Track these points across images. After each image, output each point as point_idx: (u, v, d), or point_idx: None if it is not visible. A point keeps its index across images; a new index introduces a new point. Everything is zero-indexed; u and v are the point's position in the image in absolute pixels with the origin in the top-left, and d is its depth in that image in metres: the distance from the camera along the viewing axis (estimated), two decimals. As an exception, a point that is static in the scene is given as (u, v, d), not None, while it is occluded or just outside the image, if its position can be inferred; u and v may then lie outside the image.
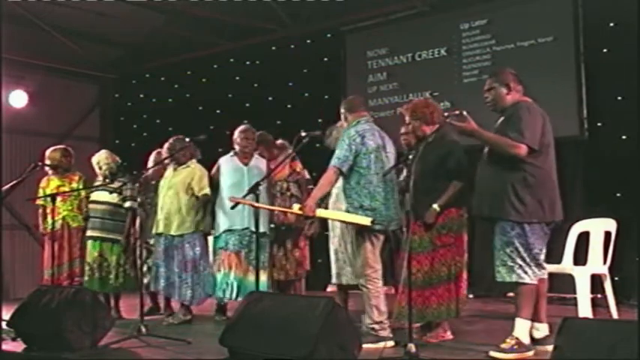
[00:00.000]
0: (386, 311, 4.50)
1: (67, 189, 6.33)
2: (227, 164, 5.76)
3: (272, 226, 5.68)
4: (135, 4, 8.16)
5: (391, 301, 4.65)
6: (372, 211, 4.45)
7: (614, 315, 5.39)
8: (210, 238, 5.88)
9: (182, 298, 5.80)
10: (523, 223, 4.03)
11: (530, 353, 4.04)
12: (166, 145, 5.96)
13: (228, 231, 5.60)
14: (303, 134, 5.01)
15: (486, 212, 4.13)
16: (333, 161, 4.48)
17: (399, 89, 7.80)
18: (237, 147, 5.76)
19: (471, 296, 6.99)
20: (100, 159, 6.36)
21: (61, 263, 6.22)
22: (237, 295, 5.54)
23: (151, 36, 9.41)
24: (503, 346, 4.02)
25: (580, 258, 5.47)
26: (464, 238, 4.64)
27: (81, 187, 6.40)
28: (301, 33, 8.41)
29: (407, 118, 4.74)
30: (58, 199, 6.08)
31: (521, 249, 4.03)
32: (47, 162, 6.44)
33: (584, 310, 5.18)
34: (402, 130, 5.19)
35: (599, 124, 6.58)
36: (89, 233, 6.24)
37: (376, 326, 4.45)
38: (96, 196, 6.27)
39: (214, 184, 5.78)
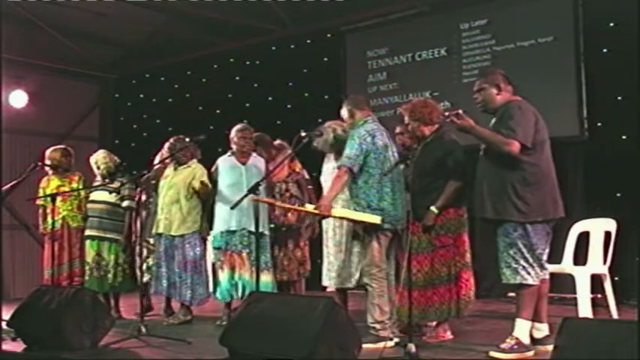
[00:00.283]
0: (388, 311, 4.49)
1: (66, 189, 6.33)
2: (225, 164, 5.74)
3: (272, 226, 5.66)
4: (135, 4, 8.16)
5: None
6: (380, 211, 4.46)
7: (614, 315, 5.39)
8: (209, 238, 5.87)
9: (182, 298, 5.81)
10: (525, 223, 4.03)
11: (531, 353, 4.04)
12: (167, 145, 5.97)
13: (227, 232, 5.58)
14: (303, 134, 5.01)
15: (490, 214, 4.12)
16: (344, 161, 4.46)
17: (399, 89, 7.79)
18: (234, 146, 5.74)
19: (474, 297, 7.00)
20: (98, 159, 6.36)
21: (61, 263, 6.23)
22: (242, 295, 5.49)
23: (151, 36, 9.42)
24: (503, 346, 4.02)
25: (580, 258, 5.48)
26: (464, 238, 4.64)
27: (81, 187, 6.40)
28: (301, 33, 8.41)
29: (406, 119, 4.75)
30: (58, 199, 6.08)
31: (524, 250, 4.04)
32: (47, 162, 6.44)
33: (584, 310, 5.19)
34: (397, 129, 5.19)
35: (599, 124, 6.58)
36: (87, 233, 6.25)
37: (377, 325, 4.45)
38: (94, 195, 6.28)
39: (212, 183, 5.76)
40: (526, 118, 4.06)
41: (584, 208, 6.40)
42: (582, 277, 5.28)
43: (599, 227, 5.47)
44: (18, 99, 8.84)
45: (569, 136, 6.51)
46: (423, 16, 7.65)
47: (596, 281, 5.45)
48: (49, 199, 6.00)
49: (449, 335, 4.68)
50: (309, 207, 4.71)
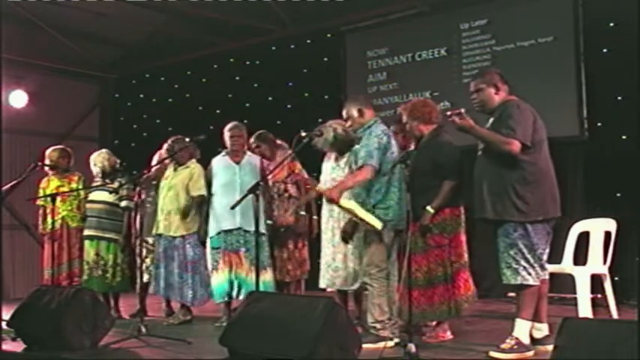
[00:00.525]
0: (388, 311, 4.48)
1: (66, 189, 6.33)
2: (219, 164, 5.73)
3: (269, 222, 5.59)
4: (135, 4, 8.16)
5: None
6: (385, 210, 4.46)
7: (614, 315, 5.39)
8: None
9: (183, 299, 5.80)
10: (526, 223, 4.03)
11: (530, 353, 4.04)
12: (165, 146, 5.97)
13: (224, 231, 5.56)
14: (303, 134, 5.01)
15: (490, 215, 4.12)
16: (368, 160, 4.42)
17: (399, 89, 7.79)
18: (227, 145, 5.73)
19: (475, 296, 7.00)
20: (96, 158, 6.37)
21: (61, 263, 6.23)
22: (237, 294, 5.51)
23: (151, 36, 9.42)
24: (503, 346, 4.02)
25: (580, 258, 5.48)
26: (460, 237, 4.64)
27: (80, 187, 6.40)
28: (301, 33, 8.41)
29: (404, 117, 4.75)
30: (58, 199, 6.08)
31: (525, 250, 4.03)
32: (47, 162, 6.44)
33: (584, 310, 5.18)
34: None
35: (599, 124, 6.58)
36: (86, 232, 6.25)
37: (377, 325, 4.45)
38: (93, 195, 6.29)
39: (207, 184, 5.75)
40: (525, 117, 4.06)
41: (584, 208, 6.40)
42: (582, 277, 5.28)
43: (599, 227, 5.47)
44: (18, 99, 8.84)
45: (569, 136, 6.51)
46: (423, 16, 7.65)
47: (596, 281, 5.45)
48: (48, 199, 6.01)
49: (449, 335, 4.68)
50: (322, 187, 4.66)
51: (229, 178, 5.62)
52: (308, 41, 8.56)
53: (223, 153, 5.76)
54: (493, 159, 4.11)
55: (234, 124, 5.78)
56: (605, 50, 6.56)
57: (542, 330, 4.20)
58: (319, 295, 5.37)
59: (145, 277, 6.00)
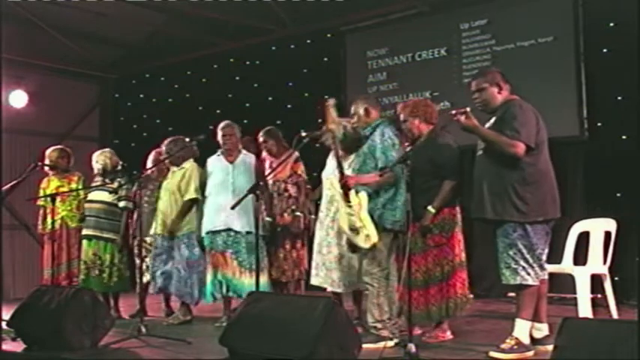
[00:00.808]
0: (388, 311, 4.47)
1: (65, 189, 6.33)
2: (213, 163, 5.72)
3: (269, 219, 5.55)
4: (135, 4, 8.16)
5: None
6: (393, 211, 4.48)
7: (614, 315, 5.39)
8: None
9: (182, 296, 5.80)
10: (525, 223, 4.03)
11: (530, 353, 4.04)
12: (164, 147, 5.97)
13: (212, 232, 5.55)
14: (303, 134, 5.00)
15: (489, 215, 4.12)
16: (390, 164, 4.42)
17: (399, 89, 7.78)
18: (220, 145, 5.72)
19: (471, 296, 7.00)
20: (99, 156, 6.38)
21: (60, 263, 6.23)
22: (227, 291, 5.49)
23: (151, 36, 9.42)
24: (503, 346, 4.02)
25: (580, 258, 5.48)
26: (457, 237, 4.65)
27: (80, 187, 6.40)
28: (301, 33, 8.41)
29: (402, 116, 4.73)
30: (58, 199, 6.08)
31: (524, 250, 4.03)
32: (46, 162, 6.44)
33: (584, 310, 5.18)
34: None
35: (599, 124, 6.58)
36: (84, 232, 6.24)
37: (378, 325, 4.44)
38: (92, 195, 6.29)
39: (203, 184, 5.75)
40: (528, 118, 4.05)
41: (584, 208, 6.40)
42: (582, 277, 5.28)
43: (599, 227, 5.47)
44: (18, 99, 8.84)
45: (569, 136, 6.51)
46: (423, 16, 7.65)
47: (596, 281, 5.45)
48: (48, 199, 6.01)
49: (449, 335, 4.68)
50: (347, 169, 4.65)
51: (223, 177, 5.60)
52: (308, 41, 8.56)
53: (218, 152, 5.75)
54: (494, 159, 4.10)
55: (226, 123, 5.75)
56: (605, 50, 6.56)
57: (542, 330, 4.20)
58: (319, 295, 5.38)
59: (146, 278, 6.00)
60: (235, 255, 5.50)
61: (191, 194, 5.73)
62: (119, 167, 6.40)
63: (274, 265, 5.62)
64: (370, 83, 8.00)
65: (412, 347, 3.87)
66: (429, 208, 4.48)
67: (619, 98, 6.45)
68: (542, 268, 4.11)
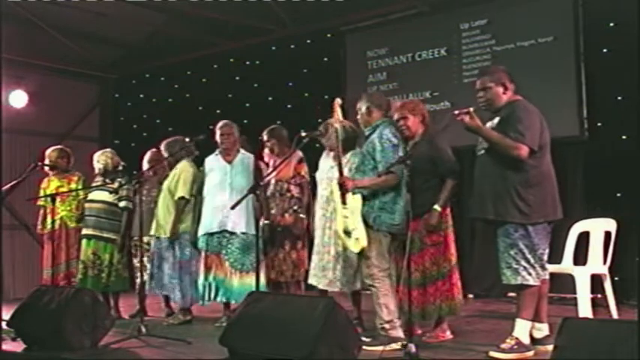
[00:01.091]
0: (396, 310, 4.43)
1: (65, 189, 6.33)
2: (211, 163, 5.70)
3: (266, 222, 5.49)
4: (135, 4, 8.16)
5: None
6: (392, 214, 4.43)
7: (614, 315, 5.39)
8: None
9: (174, 299, 5.83)
10: (527, 224, 4.02)
11: (530, 353, 4.04)
12: (163, 148, 5.98)
13: (208, 234, 5.55)
14: (303, 134, 5.00)
15: (491, 216, 4.11)
16: (389, 167, 4.36)
17: (399, 89, 7.78)
18: (218, 144, 5.70)
19: (471, 296, 7.02)
20: (100, 156, 6.39)
21: (59, 263, 6.22)
22: (215, 296, 5.48)
23: (151, 36, 9.42)
24: (503, 346, 4.02)
25: (580, 258, 5.48)
26: (451, 236, 4.67)
27: (80, 187, 6.40)
28: (301, 33, 8.41)
29: (400, 113, 4.71)
30: (57, 199, 6.09)
31: (525, 250, 4.02)
32: (46, 162, 6.45)
33: (584, 310, 5.18)
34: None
35: (599, 124, 6.58)
36: (84, 232, 6.24)
37: (387, 325, 4.39)
38: (93, 194, 6.28)
39: (201, 184, 5.73)
40: (533, 121, 4.04)
41: (584, 208, 6.40)
42: (582, 277, 5.28)
43: (599, 227, 5.47)
44: (18, 99, 8.84)
45: (569, 136, 6.51)
46: (423, 16, 7.65)
47: (596, 281, 5.45)
48: (48, 199, 6.01)
49: (448, 335, 4.68)
50: (346, 172, 4.66)
51: (220, 177, 5.58)
52: (308, 41, 8.56)
53: (216, 152, 5.74)
54: (496, 160, 4.08)
55: (225, 122, 5.73)
56: (605, 50, 6.56)
57: (542, 330, 4.20)
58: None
59: (144, 277, 5.98)
60: (229, 256, 5.49)
61: (179, 193, 5.73)
62: (119, 167, 6.40)
63: (274, 265, 5.58)
64: (370, 83, 8.00)
65: (412, 347, 3.86)
66: (435, 207, 4.51)
67: (619, 98, 6.45)
68: (543, 268, 4.10)
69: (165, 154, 5.97)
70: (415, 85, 7.66)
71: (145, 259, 6.00)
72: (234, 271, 5.47)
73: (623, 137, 6.40)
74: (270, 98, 8.73)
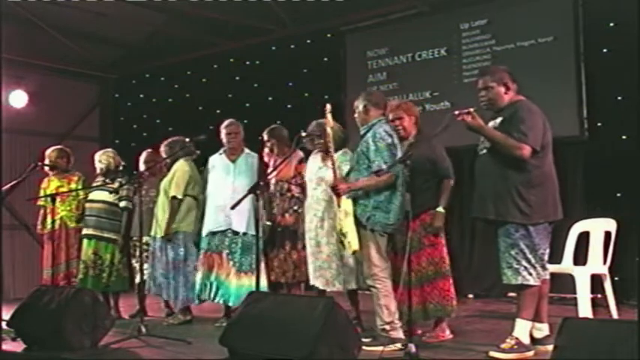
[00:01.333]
0: (396, 311, 4.41)
1: (65, 189, 6.33)
2: (215, 162, 5.69)
3: (268, 223, 5.49)
4: (135, 4, 8.16)
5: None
6: (386, 213, 4.40)
7: (614, 315, 5.39)
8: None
9: (168, 298, 5.83)
10: (528, 224, 4.02)
11: (530, 353, 4.04)
12: (163, 149, 5.97)
13: (211, 233, 5.54)
14: (303, 134, 5.02)
15: (491, 216, 4.11)
16: (384, 166, 4.33)
17: (399, 89, 7.78)
18: (224, 143, 5.68)
19: (471, 296, 7.02)
20: (101, 156, 6.39)
21: (59, 263, 6.21)
22: (214, 296, 5.47)
23: (151, 36, 9.42)
24: (503, 346, 4.02)
25: (580, 258, 5.48)
26: (444, 237, 4.74)
27: (80, 187, 6.40)
28: (301, 33, 8.41)
29: (392, 115, 4.72)
30: (57, 199, 6.08)
31: (526, 250, 4.02)
32: (46, 162, 6.45)
33: (584, 310, 5.18)
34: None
35: (599, 124, 6.58)
36: (84, 232, 6.24)
37: (387, 327, 4.36)
38: (93, 194, 6.28)
39: (204, 183, 5.73)
40: (536, 121, 4.03)
41: (584, 208, 6.40)
42: (582, 277, 5.28)
43: (599, 227, 5.47)
44: (18, 99, 8.84)
45: (569, 136, 6.51)
46: (423, 16, 7.65)
47: (596, 281, 5.45)
48: (48, 199, 6.01)
49: (448, 335, 4.69)
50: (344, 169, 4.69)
51: (223, 177, 5.57)
52: (308, 41, 8.56)
53: (221, 151, 5.73)
54: (498, 159, 4.07)
55: (231, 121, 5.72)
56: (605, 50, 6.56)
57: (542, 330, 4.20)
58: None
59: (138, 278, 5.97)
60: (232, 255, 5.47)
61: (172, 193, 5.72)
62: (120, 168, 6.41)
63: (275, 266, 5.57)
64: (370, 83, 8.00)
65: (412, 347, 3.87)
66: (439, 208, 4.58)
67: (619, 98, 6.45)
68: (544, 268, 4.10)
69: (165, 155, 5.96)
70: (415, 85, 7.66)
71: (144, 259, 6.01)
72: (235, 271, 5.46)
73: (623, 137, 6.40)
74: (270, 98, 8.73)
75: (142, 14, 8.65)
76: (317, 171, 5.10)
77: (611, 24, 6.53)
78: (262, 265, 5.40)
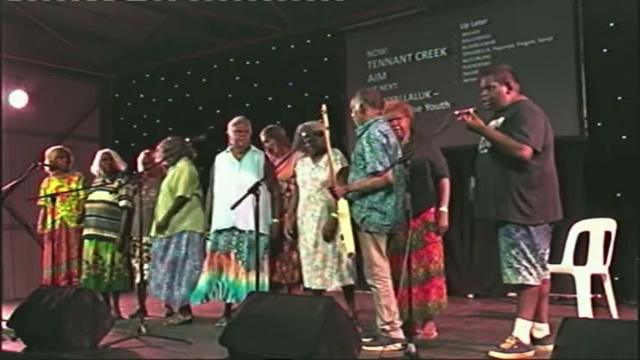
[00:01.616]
0: (397, 311, 4.40)
1: (65, 189, 6.33)
2: (221, 160, 5.66)
3: (275, 220, 5.47)
4: (135, 4, 8.16)
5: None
6: (381, 214, 4.38)
7: (614, 315, 5.39)
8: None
9: (166, 298, 5.80)
10: (528, 225, 4.02)
11: (531, 353, 4.04)
12: (159, 148, 5.97)
13: (217, 231, 5.51)
14: (304, 134, 5.02)
15: (492, 215, 4.12)
16: (378, 167, 4.31)
17: (399, 89, 7.78)
18: (230, 141, 5.63)
19: (471, 296, 7.03)
20: (104, 155, 6.39)
21: (59, 263, 6.22)
22: (226, 297, 5.43)
23: (151, 36, 9.42)
24: (503, 346, 4.02)
25: (580, 258, 5.48)
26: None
27: (80, 187, 6.40)
28: (301, 33, 8.41)
29: (391, 114, 4.72)
30: (58, 199, 6.09)
31: (527, 250, 4.02)
32: (46, 162, 6.45)
33: (584, 310, 5.18)
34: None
35: (599, 124, 6.58)
36: (85, 232, 6.24)
37: (387, 327, 4.35)
38: (93, 194, 6.28)
39: (211, 181, 5.72)
40: (538, 122, 4.03)
41: (584, 208, 6.40)
42: (582, 277, 5.28)
43: (599, 227, 5.47)
44: (18, 99, 8.84)
45: (569, 136, 6.50)
46: (423, 16, 7.65)
47: (596, 281, 5.46)
48: (49, 199, 6.01)
49: (434, 333, 4.76)
50: (336, 168, 4.71)
51: (229, 175, 5.53)
52: (308, 41, 8.56)
53: (227, 149, 5.69)
54: (499, 159, 4.07)
55: (240, 119, 5.65)
56: (605, 50, 6.56)
57: (542, 330, 4.20)
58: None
59: (138, 278, 5.97)
60: (240, 255, 5.43)
61: (180, 192, 5.72)
62: (121, 169, 6.42)
63: (275, 267, 5.56)
64: (370, 83, 7.99)
65: (412, 347, 3.87)
66: (442, 208, 4.65)
67: (619, 98, 6.45)
68: (544, 268, 4.11)
69: (163, 154, 5.93)
70: (415, 85, 7.66)
71: (144, 259, 6.00)
72: (245, 270, 5.40)
73: (623, 137, 6.40)
74: (270, 98, 8.73)
75: (142, 14, 8.65)
76: (310, 172, 5.10)
77: (611, 24, 6.53)
78: (267, 264, 5.43)
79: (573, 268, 5.36)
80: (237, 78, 9.16)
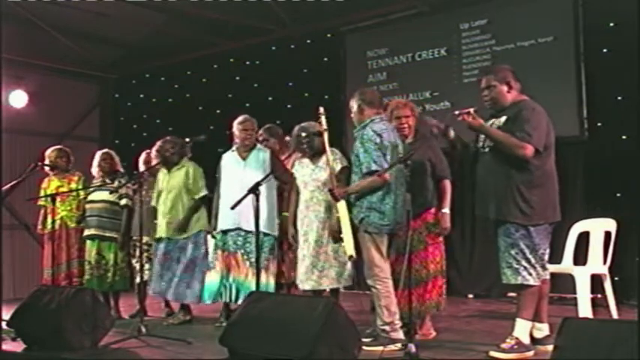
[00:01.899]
0: (397, 312, 4.39)
1: (65, 189, 6.33)
2: (228, 159, 5.63)
3: (286, 214, 5.40)
4: (135, 4, 8.16)
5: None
6: (380, 214, 4.37)
7: (614, 315, 5.39)
8: (210, 238, 5.77)
9: (183, 297, 5.74)
10: (528, 225, 4.02)
11: (530, 353, 4.04)
12: (155, 148, 5.95)
13: (223, 231, 5.50)
14: (303, 134, 5.02)
15: (492, 215, 4.12)
16: (373, 166, 4.30)
17: (399, 89, 7.78)
18: (236, 140, 5.59)
19: (471, 296, 7.03)
20: (104, 155, 6.39)
21: (59, 263, 6.22)
22: (236, 299, 5.39)
23: (151, 36, 9.40)
24: (503, 346, 4.02)
25: (580, 258, 5.48)
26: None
27: (80, 187, 6.40)
28: (301, 33, 8.41)
29: (400, 112, 4.73)
30: (58, 199, 6.09)
31: (526, 250, 4.02)
32: (46, 162, 6.45)
33: (584, 310, 5.19)
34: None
35: (599, 124, 6.58)
36: (87, 232, 6.23)
37: (387, 327, 4.35)
38: (93, 194, 6.28)
39: (217, 180, 5.72)
40: (540, 121, 4.04)
41: (584, 208, 6.40)
42: (582, 277, 5.29)
43: (599, 227, 5.47)
44: (18, 99, 8.83)
45: (569, 136, 6.50)
46: (423, 16, 7.65)
47: (596, 281, 5.46)
48: (49, 199, 6.01)
49: (433, 333, 4.76)
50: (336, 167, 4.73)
51: (234, 174, 5.50)
52: (308, 41, 8.56)
53: (233, 148, 5.65)
54: (500, 158, 4.08)
55: (246, 117, 5.59)
56: (605, 50, 6.56)
57: (542, 330, 4.21)
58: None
59: (139, 278, 5.96)
60: (247, 255, 5.39)
61: (202, 192, 5.73)
62: (121, 169, 6.43)
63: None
64: (370, 83, 7.98)
65: (412, 347, 3.87)
66: (445, 209, 4.65)
67: (619, 98, 6.45)
68: (544, 268, 4.11)
69: (165, 153, 5.91)
70: (415, 85, 7.66)
71: (144, 259, 5.99)
72: (253, 271, 5.27)
73: (623, 137, 6.40)
74: (270, 98, 8.73)
75: (142, 14, 8.64)
76: (311, 173, 5.10)
77: (611, 24, 6.53)
78: (274, 264, 5.42)
79: (573, 268, 5.36)
80: (237, 78, 9.15)
